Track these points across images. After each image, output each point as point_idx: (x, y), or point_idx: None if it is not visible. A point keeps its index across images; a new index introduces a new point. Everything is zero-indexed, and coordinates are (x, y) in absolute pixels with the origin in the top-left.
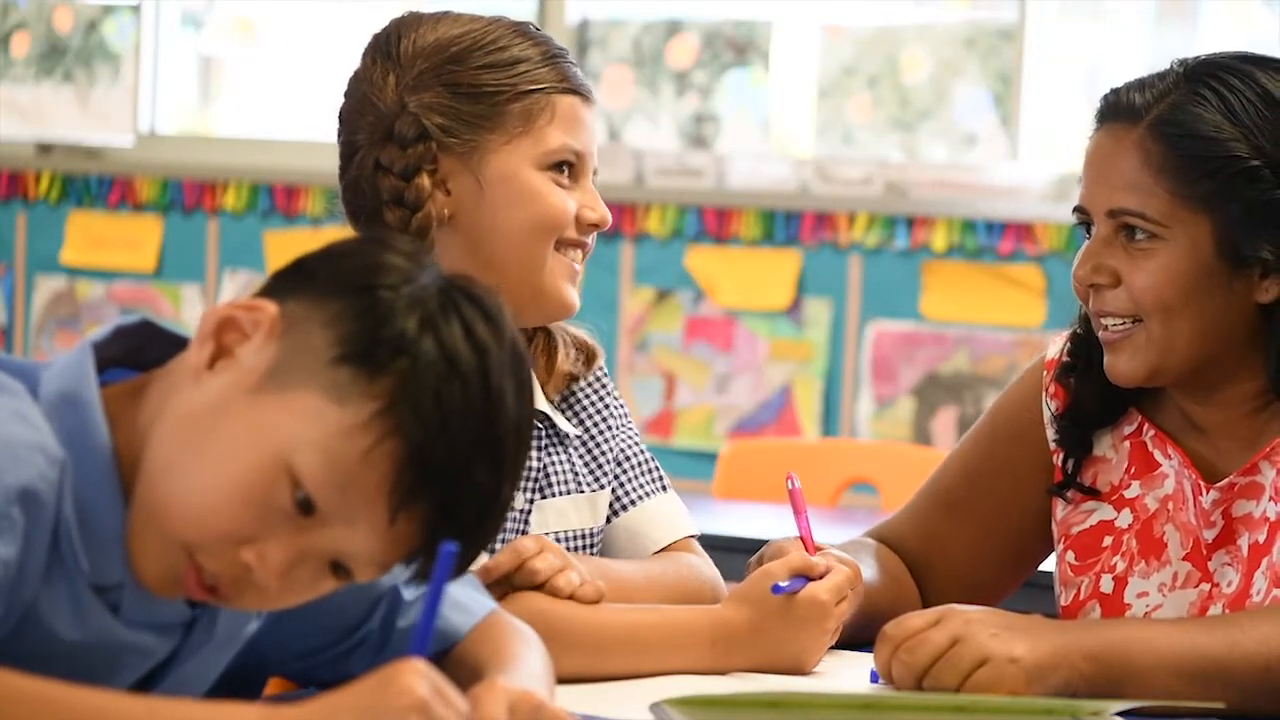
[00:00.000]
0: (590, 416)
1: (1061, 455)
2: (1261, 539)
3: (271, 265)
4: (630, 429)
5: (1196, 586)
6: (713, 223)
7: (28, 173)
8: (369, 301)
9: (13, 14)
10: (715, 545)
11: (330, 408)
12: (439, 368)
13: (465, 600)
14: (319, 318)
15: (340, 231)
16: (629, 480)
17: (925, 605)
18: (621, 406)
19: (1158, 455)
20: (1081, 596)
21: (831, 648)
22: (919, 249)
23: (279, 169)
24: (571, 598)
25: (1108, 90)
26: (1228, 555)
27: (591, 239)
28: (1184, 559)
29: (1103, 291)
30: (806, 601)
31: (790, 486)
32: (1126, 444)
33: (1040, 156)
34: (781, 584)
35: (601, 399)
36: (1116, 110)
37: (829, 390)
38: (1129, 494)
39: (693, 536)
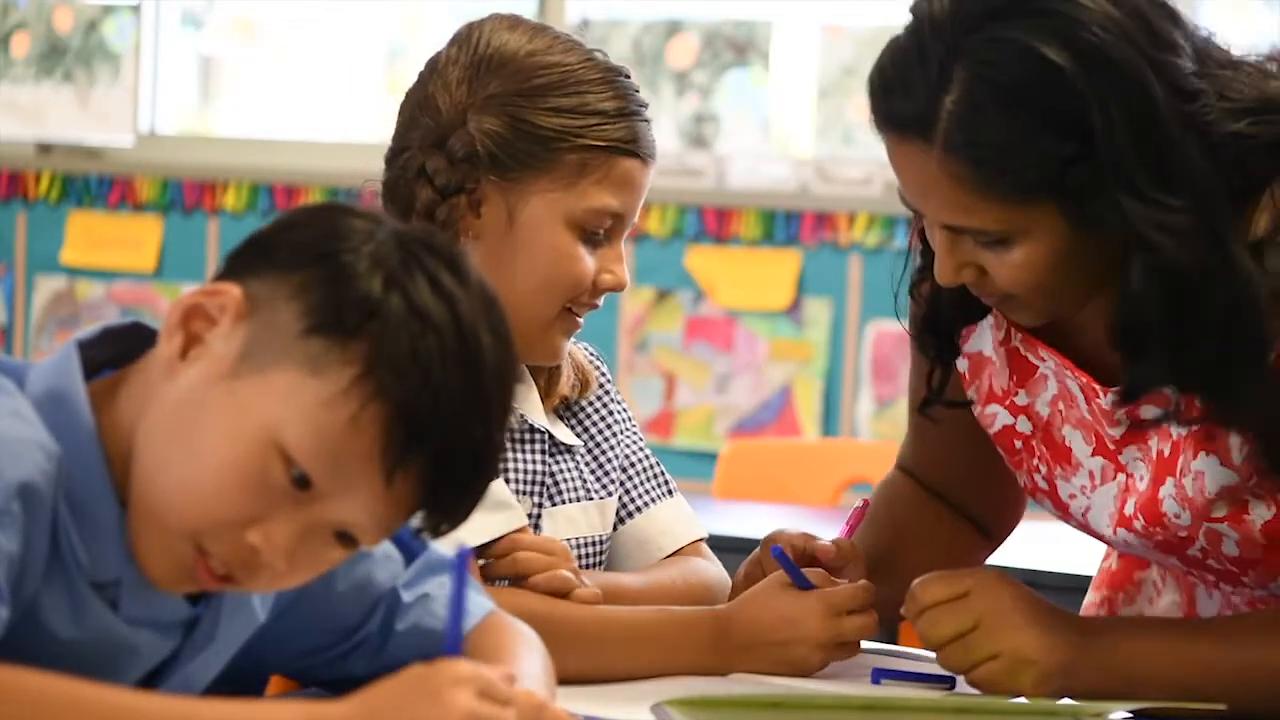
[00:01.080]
0: (595, 425)
1: (928, 369)
2: (1167, 451)
3: None
4: (634, 435)
5: (1115, 478)
6: (713, 223)
7: (28, 173)
8: (330, 268)
9: (13, 14)
10: (715, 545)
11: (308, 380)
12: (410, 324)
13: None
14: (283, 292)
15: None
16: (635, 487)
17: (960, 510)
18: (625, 413)
19: (1030, 358)
20: (1030, 486)
21: None
22: None
23: (279, 169)
24: (566, 597)
25: (872, 77)
26: (1139, 451)
27: (600, 301)
28: (1093, 455)
29: (972, 284)
30: (804, 610)
31: (858, 505)
32: (1003, 350)
33: None
34: (787, 555)
35: (606, 406)
36: (900, 122)
37: (829, 390)
38: (1020, 401)
39: (701, 540)
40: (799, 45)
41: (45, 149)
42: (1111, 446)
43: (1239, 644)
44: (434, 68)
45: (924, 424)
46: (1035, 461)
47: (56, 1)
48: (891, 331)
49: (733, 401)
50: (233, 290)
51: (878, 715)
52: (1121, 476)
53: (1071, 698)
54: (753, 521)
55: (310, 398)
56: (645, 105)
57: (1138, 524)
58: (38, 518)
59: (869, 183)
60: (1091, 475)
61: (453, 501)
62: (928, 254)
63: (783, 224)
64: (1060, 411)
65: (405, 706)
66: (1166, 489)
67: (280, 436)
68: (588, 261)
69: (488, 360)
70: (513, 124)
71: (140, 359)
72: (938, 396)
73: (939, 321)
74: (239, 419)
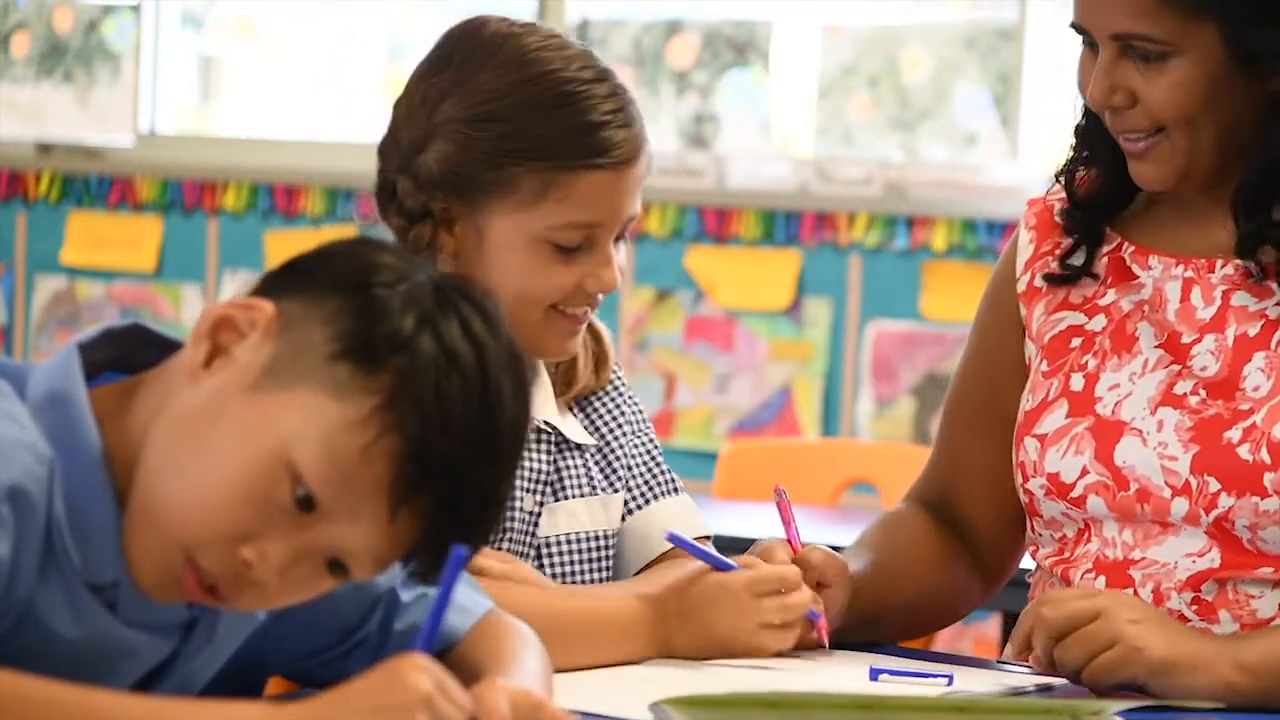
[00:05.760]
0: (606, 423)
1: (1069, 246)
2: (1253, 332)
3: (271, 265)
4: (646, 432)
5: (1167, 367)
6: (713, 223)
7: (28, 173)
8: (366, 298)
9: (13, 14)
10: (715, 545)
11: (330, 403)
12: (438, 363)
13: (463, 601)
14: (317, 315)
15: (340, 231)
16: (640, 483)
17: (964, 533)
18: (637, 409)
19: (1135, 268)
20: (1050, 398)
21: (832, 647)
22: (919, 249)
23: (279, 169)
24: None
25: None
26: (1214, 343)
27: (598, 299)
28: (1157, 347)
29: (1121, 112)
30: (714, 586)
31: (778, 499)
32: (1105, 260)
33: (1040, 156)
34: (816, 610)
35: (617, 405)
36: None
37: (829, 390)
38: (1103, 302)
39: (706, 537)
40: (799, 45)
41: (45, 149)
42: (1185, 341)
43: None
44: (419, 77)
45: (956, 434)
46: (1085, 359)
47: (56, 1)
48: (891, 331)
49: (733, 401)
50: (266, 306)
51: (876, 714)
52: (1176, 366)
53: (1212, 696)
54: (752, 521)
55: (329, 420)
56: (619, 109)
57: (1193, 400)
58: (28, 520)
59: (869, 183)
60: (1146, 363)
61: (451, 547)
62: (1086, 142)
63: (783, 224)
64: (1143, 310)
65: (368, 695)
66: (1254, 364)
67: (293, 454)
68: (562, 274)
69: (507, 411)
70: (463, 151)
71: (155, 366)
72: (1083, 272)
73: (1092, 202)
74: (254, 431)
